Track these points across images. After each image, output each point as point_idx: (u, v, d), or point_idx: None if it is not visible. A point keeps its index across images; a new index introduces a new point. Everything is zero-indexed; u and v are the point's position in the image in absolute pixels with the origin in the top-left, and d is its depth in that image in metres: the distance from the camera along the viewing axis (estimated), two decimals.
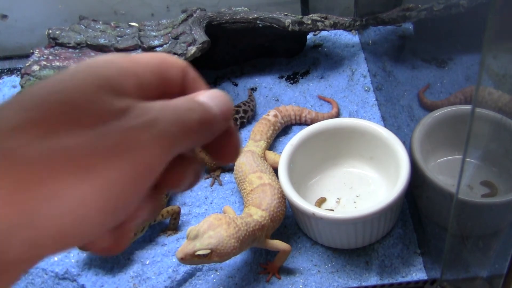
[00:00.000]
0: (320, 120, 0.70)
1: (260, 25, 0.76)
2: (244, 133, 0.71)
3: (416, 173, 0.54)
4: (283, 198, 0.55)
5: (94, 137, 0.21)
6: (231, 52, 0.82)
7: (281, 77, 0.81)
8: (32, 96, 0.21)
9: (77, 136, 0.21)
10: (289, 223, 0.59)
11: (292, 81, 0.80)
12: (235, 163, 0.61)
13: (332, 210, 0.57)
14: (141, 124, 0.21)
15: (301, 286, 0.53)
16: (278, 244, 0.53)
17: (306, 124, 0.71)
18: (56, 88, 0.21)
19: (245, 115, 0.72)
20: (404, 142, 0.57)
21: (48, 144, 0.20)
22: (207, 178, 0.65)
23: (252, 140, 0.64)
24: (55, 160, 0.20)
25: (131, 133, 0.21)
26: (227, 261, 0.51)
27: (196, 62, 0.70)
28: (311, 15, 0.77)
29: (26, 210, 0.19)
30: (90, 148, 0.20)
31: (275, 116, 0.69)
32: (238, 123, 0.70)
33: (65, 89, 0.21)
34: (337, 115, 0.72)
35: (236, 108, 0.72)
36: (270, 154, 0.63)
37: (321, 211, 0.51)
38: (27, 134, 0.20)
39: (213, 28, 0.75)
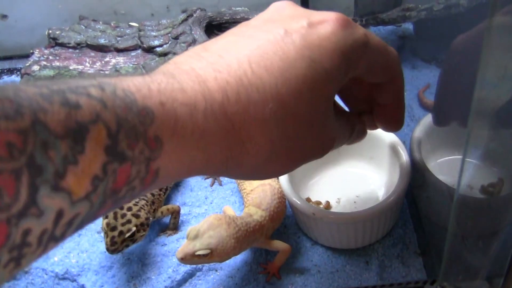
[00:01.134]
0: None
1: None
2: None
3: (416, 173, 0.54)
4: (283, 198, 0.55)
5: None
6: None
7: None
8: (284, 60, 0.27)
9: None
10: (289, 223, 0.59)
11: None
12: None
13: (330, 209, 0.57)
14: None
15: (301, 286, 0.53)
16: (278, 244, 0.53)
17: None
18: (308, 52, 0.27)
19: None
20: (404, 142, 0.57)
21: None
22: (207, 178, 0.65)
23: None
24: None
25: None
26: (227, 261, 0.51)
27: None
28: None
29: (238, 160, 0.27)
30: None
31: None
32: None
33: (319, 56, 0.27)
34: None
35: None
36: None
37: (321, 211, 0.51)
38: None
39: (213, 28, 0.75)
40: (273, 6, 0.31)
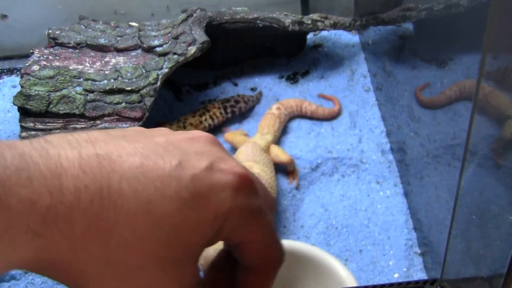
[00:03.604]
0: (320, 114, 0.72)
1: (260, 25, 0.76)
2: (248, 128, 0.71)
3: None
4: (270, 189, 0.56)
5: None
6: (231, 52, 0.82)
7: (281, 77, 0.81)
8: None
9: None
10: (289, 222, 0.59)
11: (292, 81, 0.80)
12: (236, 152, 0.63)
13: None
14: None
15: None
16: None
17: (306, 116, 0.73)
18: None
19: (236, 104, 0.74)
20: (403, 142, 0.57)
21: None
22: None
23: (260, 133, 0.68)
24: None
25: None
26: None
27: (196, 62, 0.70)
28: (311, 15, 0.77)
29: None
30: None
31: (278, 108, 0.72)
32: (228, 110, 0.73)
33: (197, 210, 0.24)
34: (339, 112, 0.74)
35: (229, 98, 0.75)
36: (274, 149, 0.65)
37: None
38: None
39: (213, 28, 0.75)
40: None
